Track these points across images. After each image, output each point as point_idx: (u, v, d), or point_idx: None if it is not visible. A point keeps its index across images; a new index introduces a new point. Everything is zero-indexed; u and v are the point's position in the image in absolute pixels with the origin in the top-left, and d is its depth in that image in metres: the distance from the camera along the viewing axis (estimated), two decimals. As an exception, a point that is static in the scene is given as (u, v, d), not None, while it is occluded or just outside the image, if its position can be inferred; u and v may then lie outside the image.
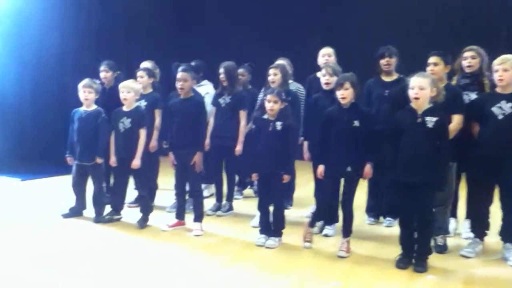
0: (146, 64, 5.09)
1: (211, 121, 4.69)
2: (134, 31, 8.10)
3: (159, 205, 4.90)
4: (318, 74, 4.33)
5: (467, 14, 6.89)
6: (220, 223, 4.54)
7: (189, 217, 4.33)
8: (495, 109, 3.50)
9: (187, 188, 4.37)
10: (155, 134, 4.71)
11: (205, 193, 5.32)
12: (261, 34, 8.02)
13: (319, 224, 4.26)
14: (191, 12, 8.84)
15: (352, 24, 7.55)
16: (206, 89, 4.98)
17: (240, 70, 4.96)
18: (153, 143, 4.70)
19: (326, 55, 4.58)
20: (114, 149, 4.41)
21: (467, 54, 3.88)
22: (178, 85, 4.13)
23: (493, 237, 3.72)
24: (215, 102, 4.71)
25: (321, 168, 3.77)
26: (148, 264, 3.51)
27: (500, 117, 3.47)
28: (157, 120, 4.74)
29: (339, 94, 3.61)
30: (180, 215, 4.33)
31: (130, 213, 4.56)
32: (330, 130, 3.68)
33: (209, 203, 4.83)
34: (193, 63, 4.77)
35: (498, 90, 3.56)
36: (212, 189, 5.14)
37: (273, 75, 4.28)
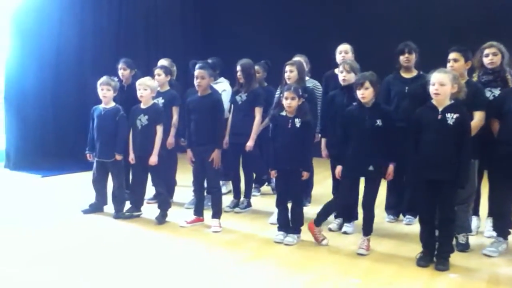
0: (163, 62, 5.12)
1: (229, 118, 4.70)
2: (153, 29, 8.15)
3: (178, 201, 4.94)
4: (336, 70, 4.29)
5: (486, 9, 6.75)
6: (238, 219, 4.55)
7: (207, 213, 4.35)
8: (517, 106, 3.43)
9: (205, 184, 4.39)
10: (172, 131, 4.75)
11: (223, 189, 5.32)
12: (279, 31, 7.98)
13: (338, 221, 4.24)
14: (209, 10, 8.86)
15: (371, 20, 7.43)
16: (223, 87, 4.99)
17: (256, 68, 4.94)
18: (170, 140, 4.73)
19: (343, 52, 4.55)
20: (132, 146, 4.45)
21: (488, 51, 3.81)
22: (196, 82, 4.15)
23: (517, 236, 3.66)
24: (232, 100, 4.72)
25: (339, 169, 3.74)
26: (167, 259, 3.54)
27: (523, 114, 3.41)
28: (175, 117, 4.77)
29: (359, 93, 3.56)
30: (198, 212, 4.35)
31: (150, 210, 4.59)
32: (350, 129, 3.65)
33: (227, 200, 4.84)
34: (210, 61, 4.77)
35: (518, 86, 3.49)
36: (230, 185, 5.15)
37: (289, 72, 4.26)
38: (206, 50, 7.19)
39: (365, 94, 3.54)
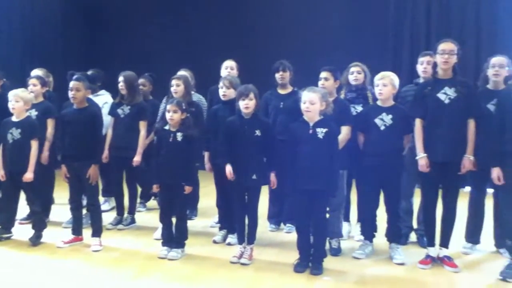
0: (37, 72, 4.83)
1: (109, 132, 4.57)
2: (30, 36, 7.61)
3: (55, 220, 4.67)
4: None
5: (353, 32, 7.46)
6: (121, 237, 4.41)
7: (87, 232, 4.15)
8: (377, 121, 3.80)
9: (85, 202, 4.21)
10: (47, 145, 4.47)
11: (106, 206, 5.18)
12: (164, 44, 8.03)
13: (222, 233, 4.31)
14: (94, 20, 8.56)
15: (253, 38, 7.85)
16: (105, 99, 4.85)
17: (141, 80, 4.90)
18: (46, 154, 4.45)
19: (228, 68, 4.69)
20: (2, 161, 4.12)
21: (353, 69, 4.22)
22: (71, 94, 3.99)
23: (382, 239, 4.02)
24: (113, 112, 4.59)
25: (228, 168, 3.70)
26: (43, 283, 3.31)
27: (382, 128, 3.78)
28: (49, 131, 4.51)
29: (243, 104, 3.69)
30: (76, 231, 4.15)
31: (22, 230, 4.27)
32: (233, 140, 3.76)
33: (110, 217, 4.68)
34: (89, 72, 4.62)
35: (379, 103, 3.88)
36: (114, 202, 4.98)
37: (176, 86, 4.27)
38: (89, 61, 6.93)
39: (249, 104, 3.68)
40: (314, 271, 3.55)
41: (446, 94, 3.60)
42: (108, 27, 8.45)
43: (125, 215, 4.70)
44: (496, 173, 3.50)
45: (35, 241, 4.08)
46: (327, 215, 3.81)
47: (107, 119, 4.54)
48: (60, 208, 4.86)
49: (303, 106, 3.54)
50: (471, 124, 3.59)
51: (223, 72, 4.71)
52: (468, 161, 3.57)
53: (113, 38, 8.29)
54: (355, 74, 4.19)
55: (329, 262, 3.70)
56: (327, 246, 3.87)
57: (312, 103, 3.51)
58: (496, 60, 3.93)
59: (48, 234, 4.20)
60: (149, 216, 5.10)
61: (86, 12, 8.54)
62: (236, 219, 3.90)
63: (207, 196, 5.22)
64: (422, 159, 3.64)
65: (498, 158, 3.51)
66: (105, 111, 4.54)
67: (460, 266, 3.69)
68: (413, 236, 4.32)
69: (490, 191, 4.01)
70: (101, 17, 8.53)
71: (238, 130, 3.74)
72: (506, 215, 3.56)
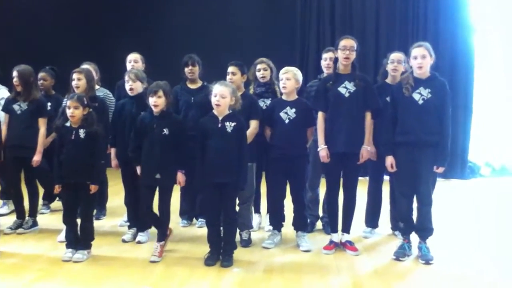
0: None
1: (3, 129, 4.25)
2: None
3: None
4: (126, 79, 4.28)
5: (264, 28, 7.68)
6: (22, 241, 4.15)
7: (-18, 238, 3.87)
8: (282, 114, 3.93)
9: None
10: None
11: (5, 209, 4.90)
12: (69, 37, 7.67)
13: (132, 231, 4.22)
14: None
15: (162, 32, 7.77)
16: (2, 94, 4.51)
17: (42, 74, 4.63)
18: None
19: (132, 61, 4.59)
20: None
21: (259, 66, 4.32)
22: (-39, 90, 3.67)
23: (290, 228, 4.16)
24: (8, 109, 4.29)
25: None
26: None
27: (287, 121, 3.92)
28: None
29: (152, 101, 3.64)
30: (-31, 238, 3.84)
31: None
32: (142, 137, 3.70)
33: (11, 221, 4.39)
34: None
35: (283, 97, 4.02)
36: (13, 205, 4.66)
37: (77, 80, 4.08)
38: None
39: (157, 102, 3.63)
40: (224, 263, 3.60)
41: (346, 88, 3.81)
42: (6, 15, 7.85)
43: (26, 218, 4.42)
44: (389, 161, 3.79)
45: None
46: (237, 208, 3.88)
47: (2, 116, 4.23)
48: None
49: (213, 99, 3.56)
50: (368, 116, 3.84)
51: (128, 66, 4.61)
52: (365, 151, 3.82)
53: (12, 28, 7.75)
54: (261, 71, 4.29)
55: (239, 253, 3.77)
56: (238, 238, 3.93)
57: (223, 96, 3.55)
58: (394, 56, 4.24)
59: None
60: (53, 217, 4.84)
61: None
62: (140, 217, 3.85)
63: (117, 194, 5.08)
64: (322, 151, 3.84)
65: (391, 147, 3.79)
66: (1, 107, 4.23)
67: (360, 249, 3.96)
68: (319, 224, 4.54)
69: (387, 178, 4.33)
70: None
71: (148, 127, 3.69)
72: (398, 200, 3.86)
